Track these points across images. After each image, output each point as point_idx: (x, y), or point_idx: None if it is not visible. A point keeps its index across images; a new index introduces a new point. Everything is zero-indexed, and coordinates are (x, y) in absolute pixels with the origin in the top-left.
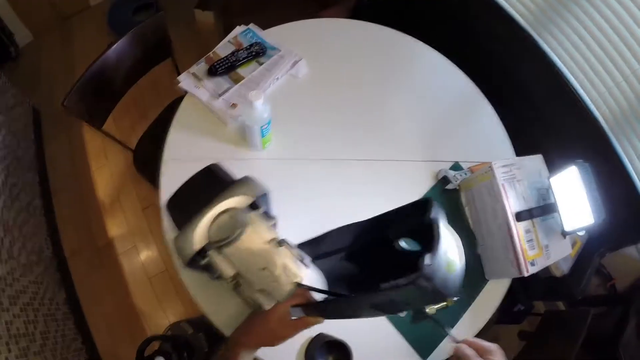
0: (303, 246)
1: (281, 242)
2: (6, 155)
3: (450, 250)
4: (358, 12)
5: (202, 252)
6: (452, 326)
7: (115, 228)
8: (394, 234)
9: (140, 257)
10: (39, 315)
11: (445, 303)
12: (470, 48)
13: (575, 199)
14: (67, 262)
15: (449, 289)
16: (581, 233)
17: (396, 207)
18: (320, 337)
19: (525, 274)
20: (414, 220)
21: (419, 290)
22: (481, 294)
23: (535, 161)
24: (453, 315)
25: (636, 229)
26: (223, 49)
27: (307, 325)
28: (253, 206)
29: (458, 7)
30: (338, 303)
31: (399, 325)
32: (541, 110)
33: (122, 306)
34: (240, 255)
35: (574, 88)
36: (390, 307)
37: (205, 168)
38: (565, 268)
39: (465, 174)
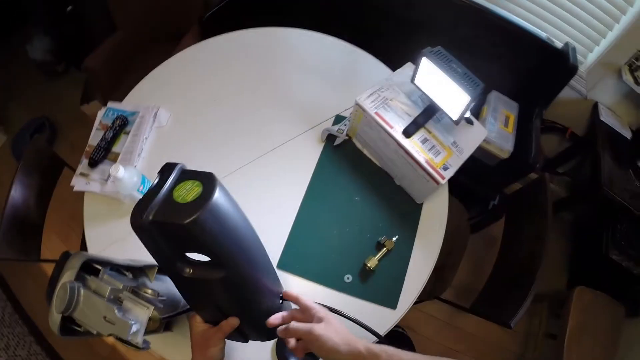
0: None
1: (134, 290)
2: None
3: (183, 186)
4: (207, 32)
5: (74, 322)
6: (407, 264)
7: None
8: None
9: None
10: None
11: (385, 248)
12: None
13: (445, 86)
14: None
15: (178, 220)
16: (467, 114)
17: None
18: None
19: (442, 181)
20: None
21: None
22: (423, 219)
23: (407, 71)
24: (402, 253)
25: (554, 71)
26: (95, 138)
27: (224, 328)
28: (91, 272)
29: None
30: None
31: (354, 292)
32: (397, 20)
33: None
34: (86, 316)
35: None
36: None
37: (62, 254)
38: (509, 146)
39: (348, 122)
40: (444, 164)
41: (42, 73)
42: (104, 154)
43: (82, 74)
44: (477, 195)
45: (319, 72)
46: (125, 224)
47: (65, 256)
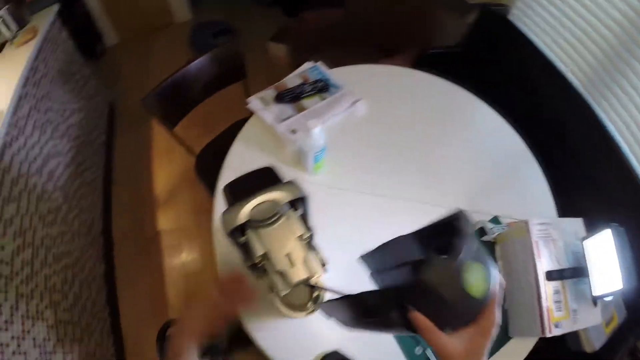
0: (368, 256)
1: (310, 243)
2: (79, 135)
3: (475, 273)
4: (420, 64)
5: (243, 231)
6: None
7: (165, 223)
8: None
9: (182, 255)
10: (76, 279)
11: None
12: (524, 105)
13: (607, 263)
14: (114, 243)
15: (456, 307)
16: (608, 299)
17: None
18: (334, 355)
19: (548, 334)
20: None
21: (422, 291)
22: (503, 351)
23: (575, 224)
24: None
25: None
26: (291, 80)
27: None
28: (292, 205)
29: (517, 65)
30: (339, 301)
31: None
32: (590, 174)
33: (154, 294)
34: (271, 239)
35: (624, 154)
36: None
37: (265, 167)
38: (597, 344)
39: (503, 228)
40: (558, 322)
41: None
42: (292, 98)
43: (284, 17)
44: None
45: (490, 160)
46: (267, 163)
47: (274, 173)
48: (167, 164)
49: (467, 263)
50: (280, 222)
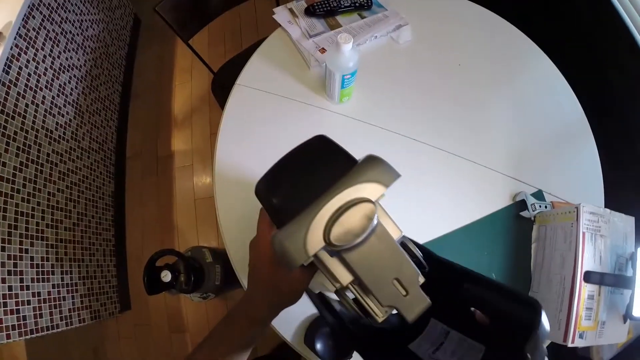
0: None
1: (403, 244)
2: (97, 48)
3: None
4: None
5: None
6: None
7: (179, 143)
8: (471, 296)
9: (194, 178)
10: (82, 198)
11: None
12: (593, 74)
13: None
14: (126, 160)
15: None
16: None
17: (490, 279)
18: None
19: (569, 344)
20: (504, 307)
21: None
22: None
23: (626, 223)
24: None
25: None
26: None
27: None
28: None
29: (592, 27)
30: None
31: None
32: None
33: (161, 215)
34: (366, 262)
35: None
36: None
37: (315, 137)
38: (606, 356)
39: (546, 207)
40: (583, 331)
41: None
42: (326, 12)
43: None
44: None
45: (543, 127)
46: (290, 88)
47: (331, 147)
48: (189, 82)
49: None
50: (376, 233)
